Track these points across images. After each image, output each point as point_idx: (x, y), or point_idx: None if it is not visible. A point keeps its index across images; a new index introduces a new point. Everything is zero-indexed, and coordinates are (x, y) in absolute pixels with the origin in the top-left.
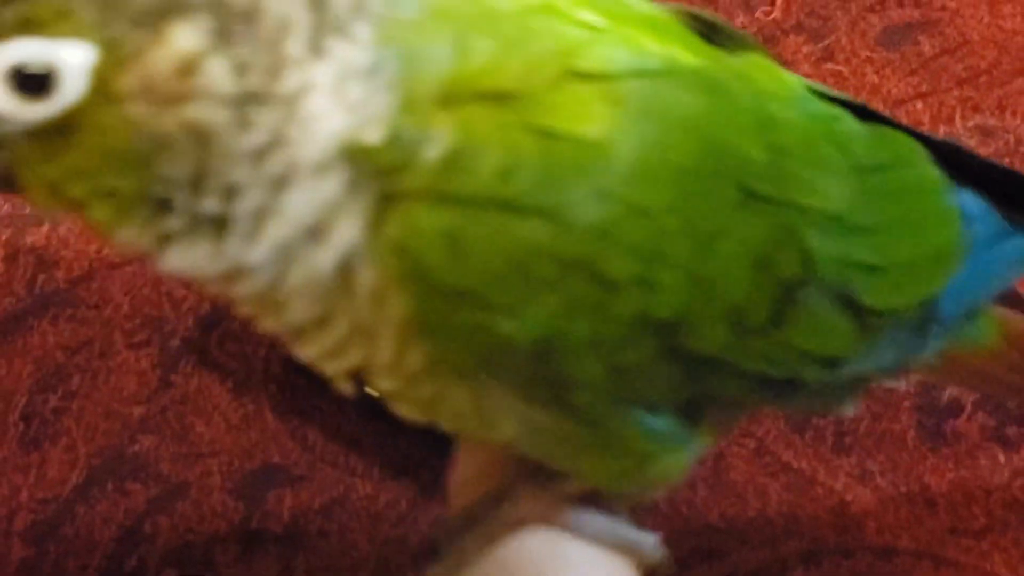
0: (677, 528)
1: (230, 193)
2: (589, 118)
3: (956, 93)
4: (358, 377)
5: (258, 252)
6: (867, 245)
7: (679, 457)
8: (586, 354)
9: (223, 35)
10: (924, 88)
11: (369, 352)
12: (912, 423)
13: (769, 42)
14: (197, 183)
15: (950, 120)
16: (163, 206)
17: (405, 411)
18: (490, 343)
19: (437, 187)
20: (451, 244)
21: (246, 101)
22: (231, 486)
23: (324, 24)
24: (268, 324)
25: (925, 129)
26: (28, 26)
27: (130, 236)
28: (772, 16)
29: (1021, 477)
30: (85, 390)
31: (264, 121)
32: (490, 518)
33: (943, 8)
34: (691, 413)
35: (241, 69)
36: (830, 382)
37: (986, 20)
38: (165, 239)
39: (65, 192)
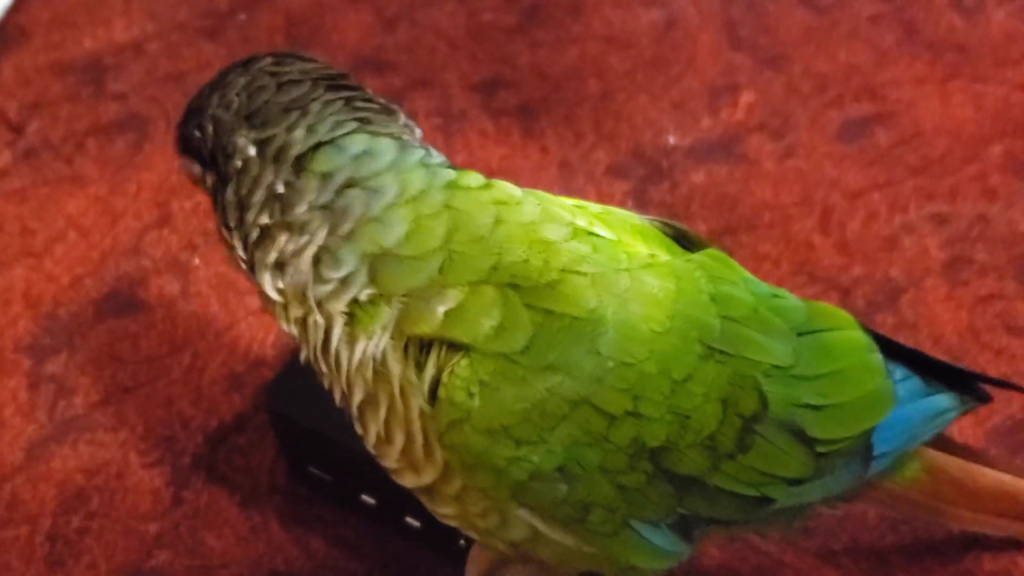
0: None
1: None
2: (581, 301)
3: (911, 183)
4: (361, 488)
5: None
6: (810, 389)
7: (664, 563)
8: (598, 477)
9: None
10: (881, 179)
11: (408, 439)
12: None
13: (734, 142)
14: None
15: (905, 209)
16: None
17: (445, 511)
18: (521, 473)
19: (441, 333)
20: (485, 391)
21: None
22: None
23: (285, 213)
24: (336, 400)
25: (882, 219)
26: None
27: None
28: (736, 118)
29: (973, 550)
30: (104, 510)
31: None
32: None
33: (898, 100)
34: (683, 530)
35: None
36: (795, 505)
37: (938, 110)
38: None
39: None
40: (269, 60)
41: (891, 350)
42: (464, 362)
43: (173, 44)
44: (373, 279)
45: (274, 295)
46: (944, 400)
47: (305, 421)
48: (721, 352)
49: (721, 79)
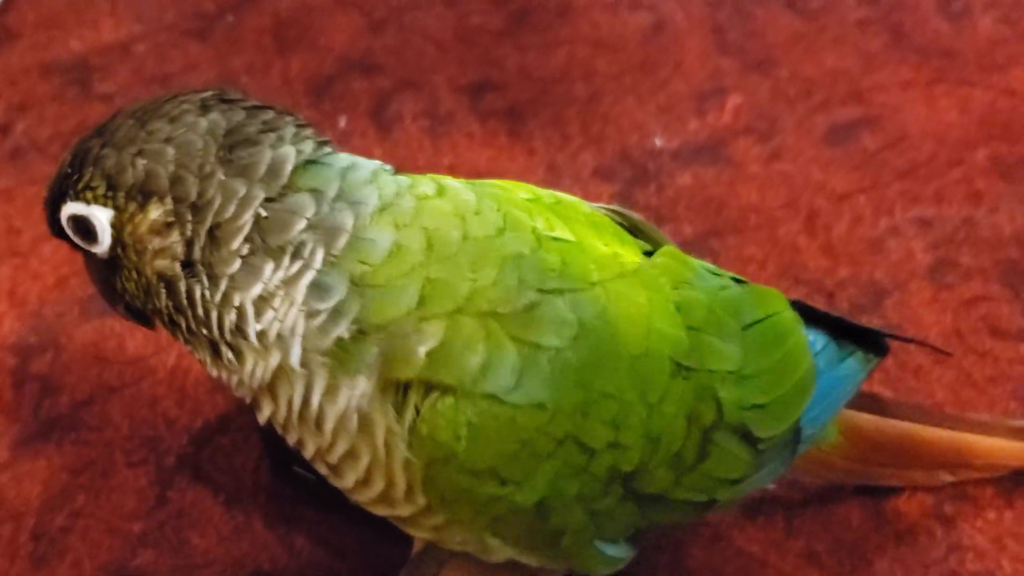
0: None
1: (201, 323)
2: (564, 328)
3: (896, 186)
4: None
5: (246, 371)
6: (755, 389)
7: (614, 569)
8: (574, 506)
9: (179, 216)
10: (866, 183)
11: (388, 485)
12: (856, 505)
13: (720, 145)
14: (180, 312)
15: (891, 212)
16: (172, 321)
17: (419, 533)
18: (501, 509)
19: (426, 376)
20: (473, 432)
21: (195, 265)
22: None
23: (278, 240)
24: (305, 452)
25: (867, 222)
26: (73, 193)
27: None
28: (722, 121)
29: (957, 551)
30: (89, 509)
31: (209, 283)
32: (439, 548)
33: (884, 104)
34: (634, 539)
35: (189, 244)
36: (733, 498)
37: (924, 114)
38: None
39: (136, 304)
40: (197, 99)
41: (805, 314)
42: (448, 400)
43: (160, 45)
44: (359, 308)
45: (253, 340)
46: (855, 362)
47: None
48: (687, 368)
49: (708, 83)
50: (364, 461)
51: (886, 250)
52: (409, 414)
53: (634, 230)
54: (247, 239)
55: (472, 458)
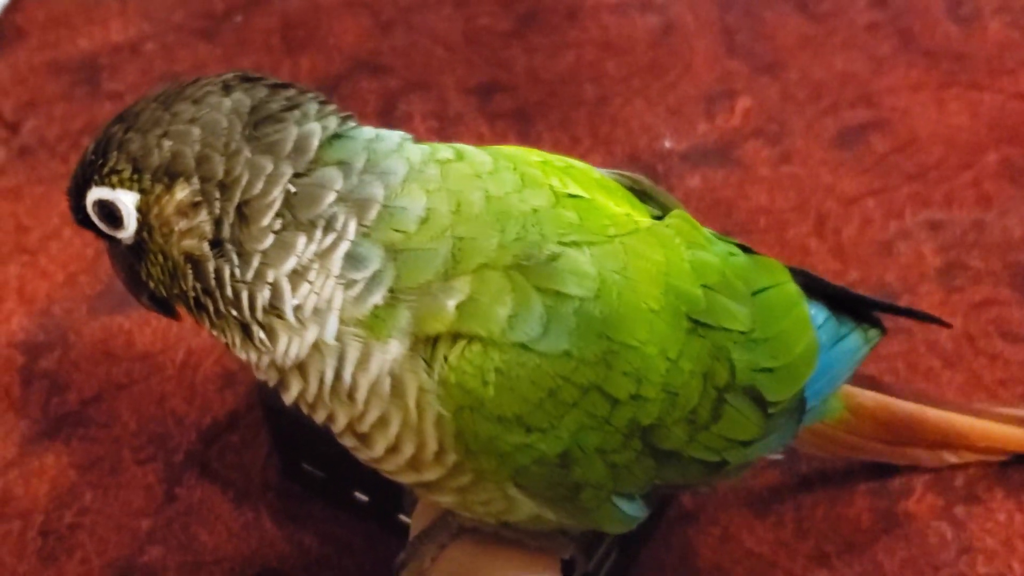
0: None
1: (232, 304)
2: (586, 280)
3: (906, 189)
4: (354, 485)
5: (279, 349)
6: (765, 353)
7: (629, 527)
8: (595, 459)
9: (206, 195)
10: (876, 185)
11: (419, 447)
12: (866, 506)
13: (729, 147)
14: (208, 294)
15: (900, 215)
16: (199, 304)
17: (443, 499)
18: (526, 459)
19: (458, 328)
20: (501, 379)
21: (224, 244)
22: None
23: (308, 213)
24: (333, 427)
25: (877, 225)
26: (99, 178)
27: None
28: (732, 123)
29: (967, 553)
30: (97, 505)
31: (240, 261)
32: (438, 529)
33: (893, 108)
34: (649, 497)
35: (218, 222)
36: (743, 462)
37: (934, 118)
38: (218, 333)
39: (160, 290)
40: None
41: (805, 286)
42: (476, 347)
43: (169, 45)
44: (393, 275)
45: (290, 316)
46: (856, 338)
47: (298, 417)
48: (703, 325)
49: (717, 85)
50: (395, 426)
51: (896, 253)
52: (438, 367)
53: (644, 195)
54: (278, 215)
55: (500, 405)
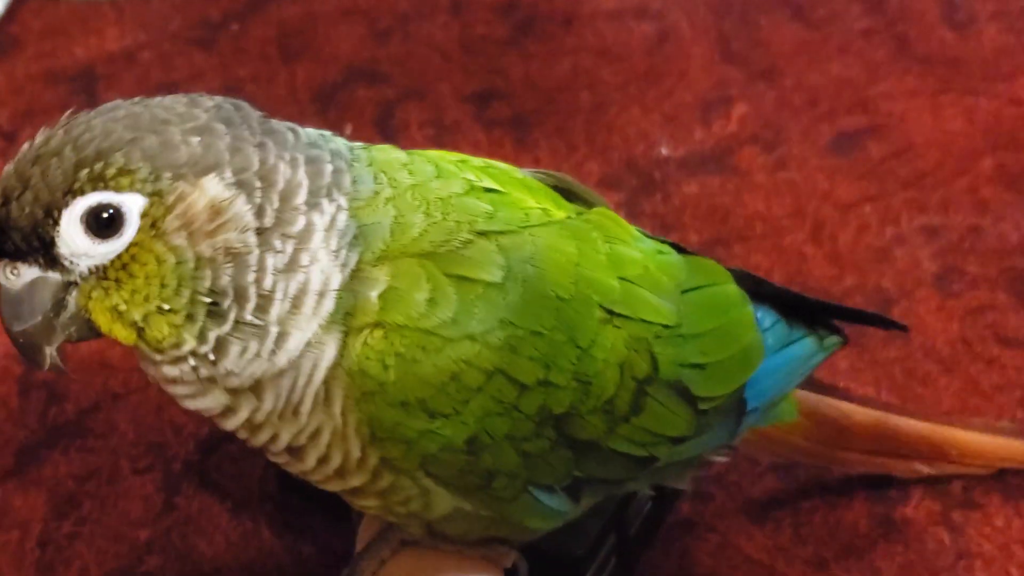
0: None
1: (266, 301)
2: (492, 267)
3: (902, 195)
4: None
5: (283, 356)
6: (694, 348)
7: (554, 523)
8: (505, 446)
9: (244, 186)
10: (872, 191)
11: (345, 456)
12: (864, 512)
13: (726, 154)
14: (240, 292)
15: (896, 221)
16: (214, 314)
17: (367, 503)
18: (432, 445)
19: (380, 319)
20: (401, 363)
21: (267, 232)
22: None
23: (319, 188)
24: (273, 447)
25: (873, 231)
26: (99, 182)
27: (180, 352)
28: (728, 130)
29: (965, 559)
30: (95, 515)
31: (282, 247)
32: (379, 544)
33: (889, 113)
34: (573, 492)
35: (260, 210)
36: (676, 460)
37: (930, 123)
38: (216, 348)
39: (128, 315)
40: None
41: (756, 291)
42: (378, 333)
43: (165, 54)
44: (360, 250)
45: (309, 305)
46: (808, 344)
47: None
48: (619, 316)
49: (713, 92)
50: (325, 436)
51: (892, 259)
52: (346, 360)
53: (569, 194)
54: (311, 192)
55: (402, 390)
